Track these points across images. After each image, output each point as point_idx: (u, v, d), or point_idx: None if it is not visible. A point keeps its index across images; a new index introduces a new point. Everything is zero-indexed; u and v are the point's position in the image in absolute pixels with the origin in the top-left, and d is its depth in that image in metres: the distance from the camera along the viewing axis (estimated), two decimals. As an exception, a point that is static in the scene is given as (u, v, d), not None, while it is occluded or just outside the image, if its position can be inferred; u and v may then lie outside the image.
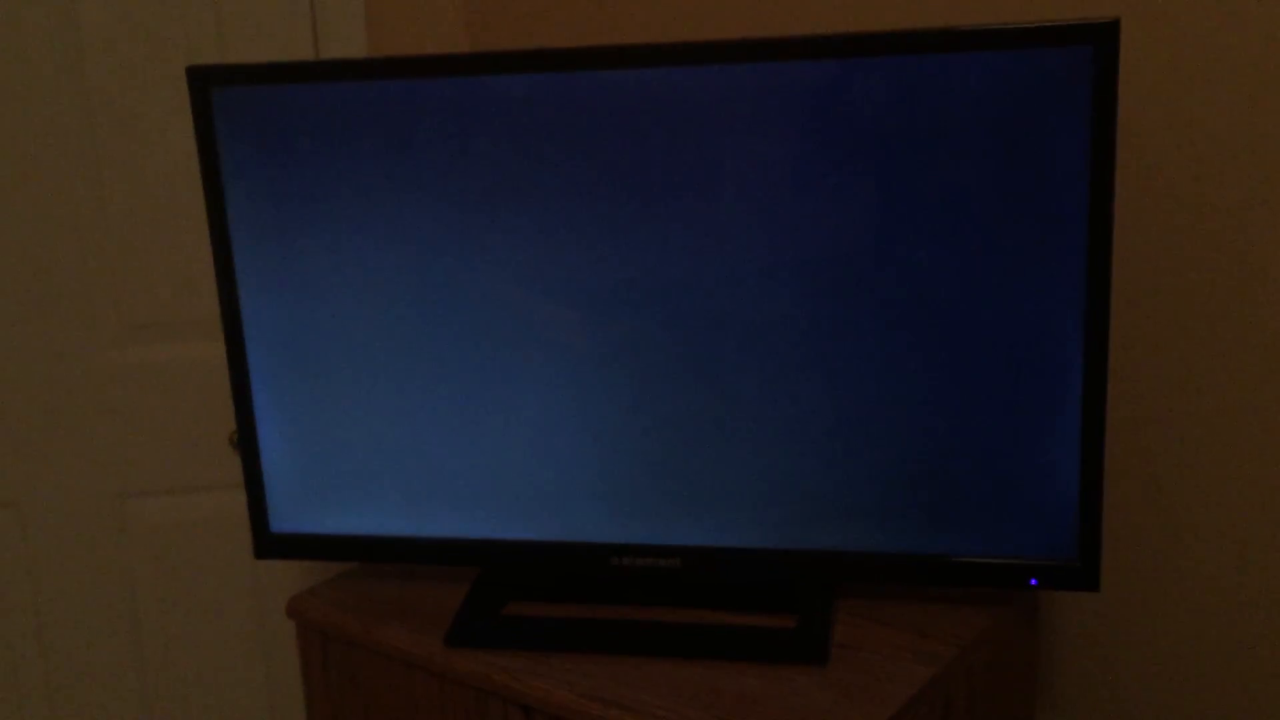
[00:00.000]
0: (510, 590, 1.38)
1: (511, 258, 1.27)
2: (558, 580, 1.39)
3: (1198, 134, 1.27)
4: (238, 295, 1.35)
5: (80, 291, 1.69)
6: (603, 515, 1.33)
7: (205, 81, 1.30)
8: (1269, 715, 1.35)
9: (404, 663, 1.33)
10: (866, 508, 1.26)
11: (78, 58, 1.63)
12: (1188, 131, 1.27)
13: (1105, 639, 1.44)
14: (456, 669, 1.27)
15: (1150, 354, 1.35)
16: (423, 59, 1.24)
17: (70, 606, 1.79)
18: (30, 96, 1.62)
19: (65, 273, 1.68)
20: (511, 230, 1.27)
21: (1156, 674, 1.41)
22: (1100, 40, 1.10)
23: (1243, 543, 1.33)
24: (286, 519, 1.41)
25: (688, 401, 1.27)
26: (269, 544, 1.42)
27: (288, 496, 1.40)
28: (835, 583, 1.34)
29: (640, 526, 1.32)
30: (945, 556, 1.26)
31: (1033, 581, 1.24)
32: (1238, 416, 1.30)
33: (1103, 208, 1.13)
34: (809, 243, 1.20)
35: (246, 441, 1.38)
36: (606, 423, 1.29)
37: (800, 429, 1.26)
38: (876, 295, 1.20)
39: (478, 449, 1.33)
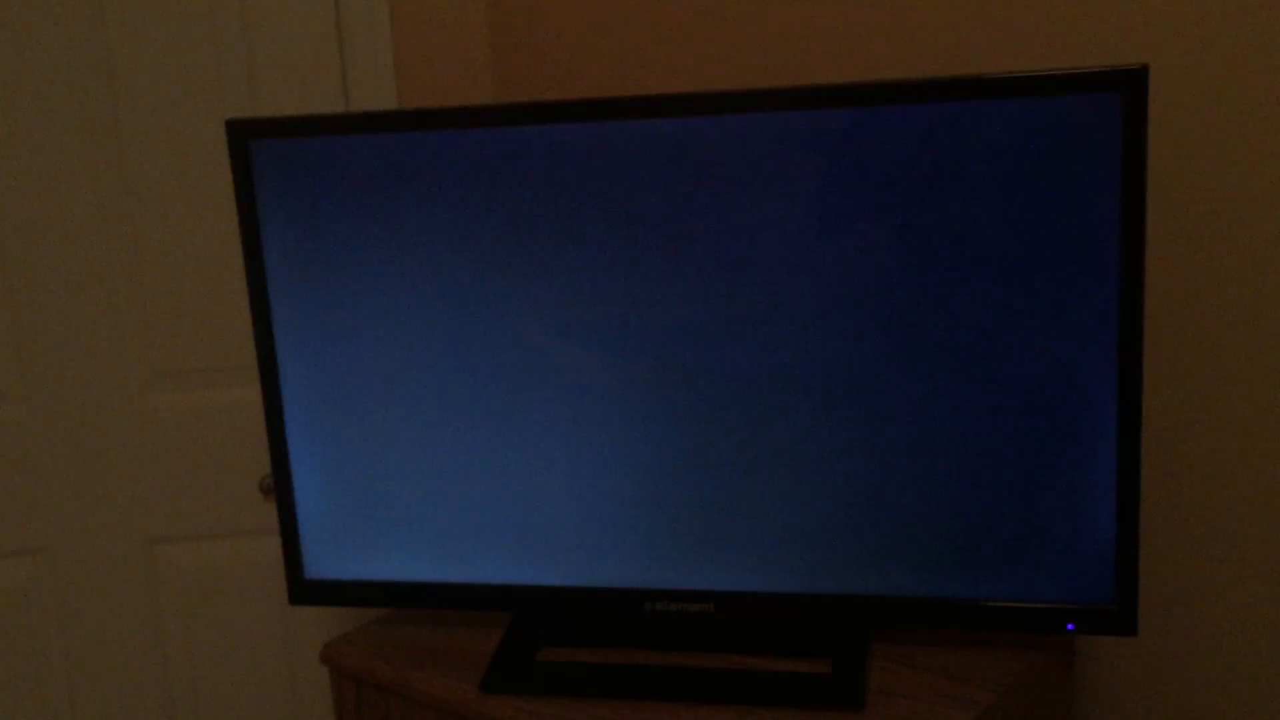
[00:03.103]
0: (545, 635, 1.38)
1: (541, 304, 1.28)
2: (591, 626, 1.39)
3: (1227, 177, 1.28)
4: (274, 343, 1.36)
5: (111, 338, 1.71)
6: (635, 560, 1.33)
7: (244, 134, 1.32)
8: (1309, 760, 1.33)
9: (438, 709, 1.33)
10: (899, 551, 1.26)
11: (112, 108, 1.65)
12: (1216, 175, 1.28)
13: (1142, 682, 1.43)
14: (491, 715, 1.27)
15: (1185, 396, 1.35)
16: (452, 111, 1.26)
17: (100, 653, 1.79)
18: (64, 146, 1.65)
19: (96, 319, 1.70)
20: (540, 277, 1.28)
21: (1194, 718, 1.40)
22: (1128, 86, 1.12)
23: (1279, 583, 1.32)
24: (321, 566, 1.41)
25: (719, 446, 1.28)
26: (304, 590, 1.42)
27: (322, 543, 1.40)
28: (869, 627, 1.33)
29: (672, 571, 1.32)
30: (980, 601, 1.26)
31: (1070, 626, 1.23)
32: (1273, 458, 1.30)
33: (1134, 252, 1.14)
34: (840, 289, 1.21)
35: (282, 488, 1.39)
36: (638, 468, 1.30)
37: (832, 473, 1.26)
38: (909, 340, 1.21)
39: (510, 495, 1.34)
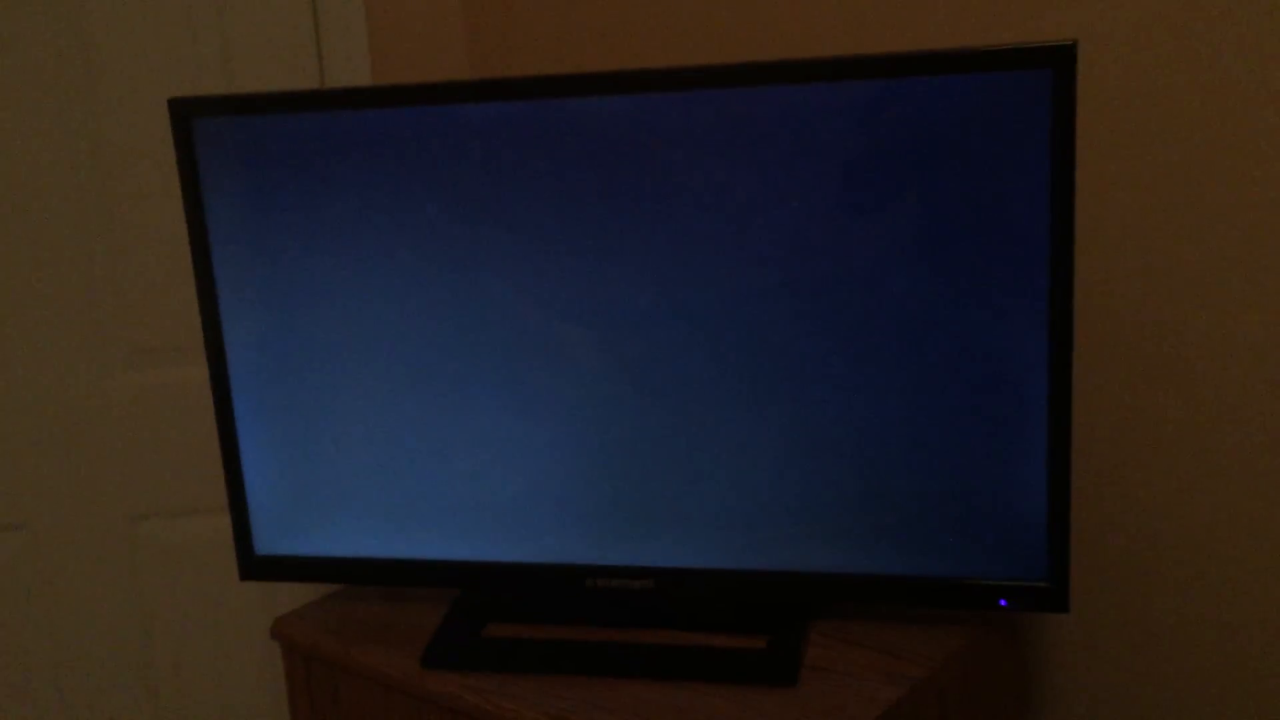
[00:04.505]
0: (489, 612, 1.39)
1: (488, 286, 1.29)
2: (535, 601, 1.40)
3: (1159, 151, 1.27)
4: (220, 321, 1.37)
5: (91, 315, 1.73)
6: (577, 537, 1.34)
7: (187, 112, 1.33)
8: (1249, 738, 1.34)
9: (381, 683, 1.34)
10: (837, 529, 1.27)
11: (87, 89, 1.66)
12: (1149, 148, 1.28)
13: (1087, 660, 1.44)
14: (430, 690, 1.28)
15: (1116, 374, 1.34)
16: (399, 88, 1.26)
17: (82, 627, 1.81)
18: (38, 126, 1.66)
19: (76, 297, 1.72)
20: (484, 257, 1.28)
21: (1138, 694, 1.41)
22: (1058, 63, 1.11)
23: (1212, 558, 1.32)
24: (270, 541, 1.43)
25: (659, 426, 1.28)
26: (253, 566, 1.44)
27: (271, 519, 1.42)
28: (808, 604, 1.34)
29: (614, 548, 1.33)
30: (915, 577, 1.26)
31: (1002, 603, 1.24)
32: (1204, 434, 1.30)
33: (1064, 232, 1.14)
34: (775, 266, 1.21)
35: (230, 465, 1.41)
36: (580, 447, 1.31)
37: (770, 453, 1.26)
38: (843, 318, 1.21)
39: (456, 472, 1.35)
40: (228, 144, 1.32)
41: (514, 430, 1.32)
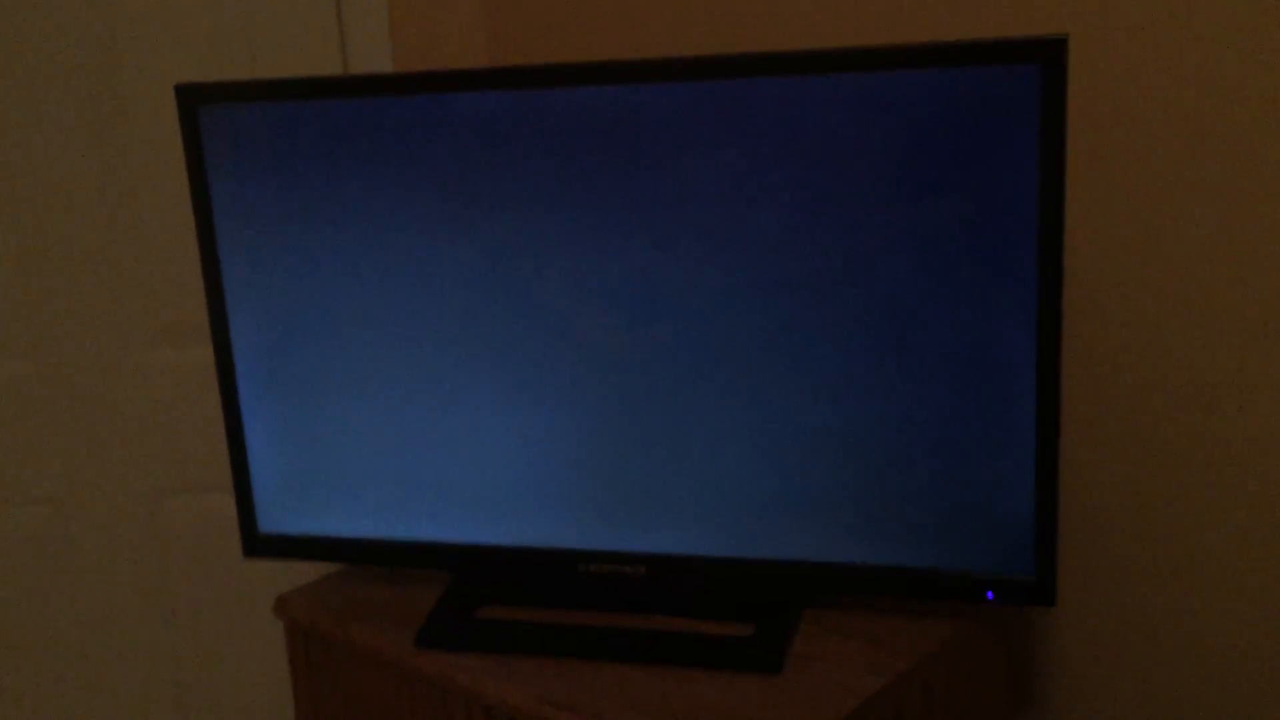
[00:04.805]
0: (483, 594, 1.41)
1: (483, 272, 1.31)
2: (528, 585, 1.42)
3: (1150, 149, 1.26)
4: (225, 302, 1.40)
5: (117, 296, 1.77)
6: (571, 522, 1.35)
7: (194, 99, 1.35)
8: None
9: (375, 662, 1.37)
10: (826, 520, 1.28)
11: (112, 76, 1.70)
12: (1140, 146, 1.27)
13: (1074, 653, 1.44)
14: (422, 670, 1.30)
15: (1106, 370, 1.34)
16: (401, 76, 1.28)
17: (105, 598, 1.86)
18: (64, 111, 1.70)
19: (101, 278, 1.76)
20: (483, 245, 1.30)
21: (1125, 688, 1.40)
22: (1048, 58, 1.11)
23: (1199, 553, 1.32)
24: (273, 520, 1.45)
25: (653, 414, 1.30)
26: (257, 543, 1.47)
27: (275, 498, 1.45)
28: (797, 593, 1.35)
29: (607, 534, 1.35)
30: (902, 569, 1.27)
31: (989, 595, 1.24)
32: (1192, 428, 1.29)
33: (1053, 226, 1.14)
34: (767, 257, 1.22)
35: (234, 443, 1.44)
36: (575, 432, 1.32)
37: (761, 442, 1.27)
38: (833, 310, 1.22)
39: (453, 455, 1.37)
40: (234, 130, 1.35)
41: (512, 417, 1.34)
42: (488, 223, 1.29)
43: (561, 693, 1.22)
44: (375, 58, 1.83)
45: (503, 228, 1.29)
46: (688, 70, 1.20)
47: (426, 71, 1.27)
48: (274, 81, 1.32)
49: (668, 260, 1.25)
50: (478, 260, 1.31)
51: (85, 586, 1.85)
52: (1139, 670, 1.39)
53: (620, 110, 1.23)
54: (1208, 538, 1.31)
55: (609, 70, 1.22)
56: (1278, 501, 1.26)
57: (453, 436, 1.36)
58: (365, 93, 1.29)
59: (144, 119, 1.73)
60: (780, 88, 1.18)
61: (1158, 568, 1.36)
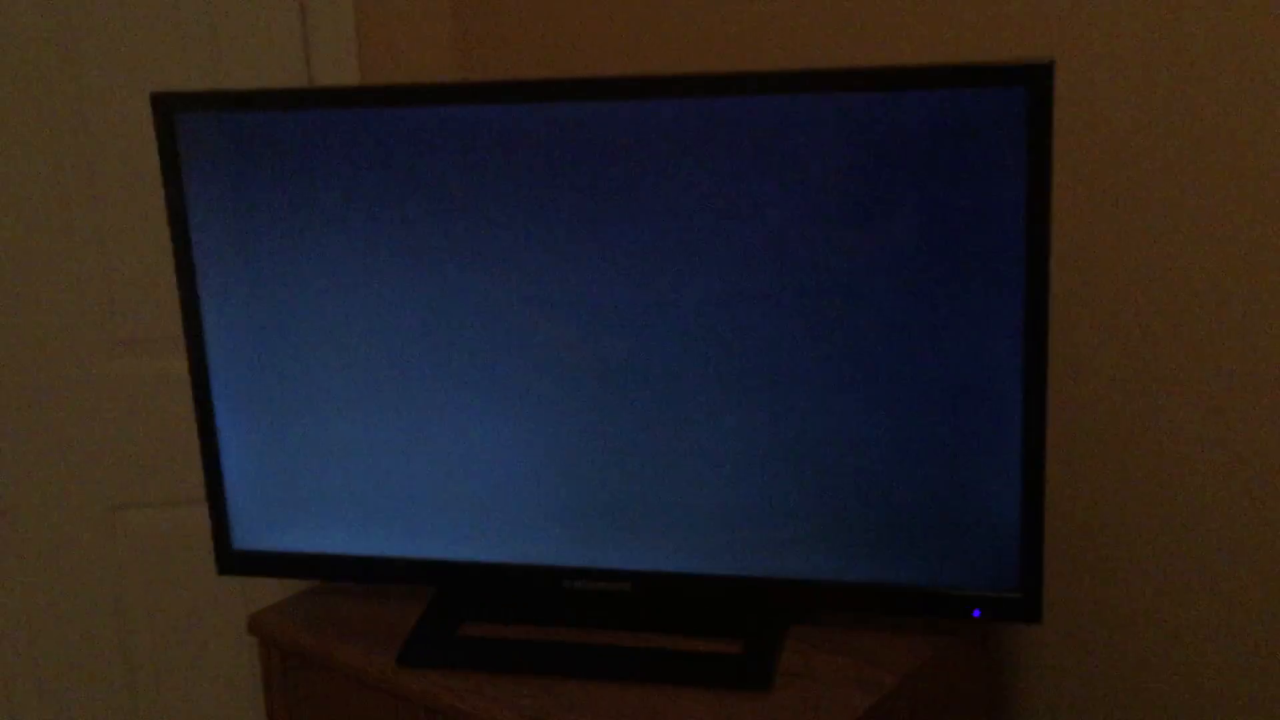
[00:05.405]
0: (465, 611, 1.40)
1: (469, 287, 1.29)
2: (512, 602, 1.41)
3: (1136, 170, 1.28)
4: (200, 316, 1.37)
5: (75, 305, 1.73)
6: (556, 539, 1.34)
7: (170, 107, 1.32)
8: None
9: (357, 680, 1.35)
10: (813, 536, 1.28)
11: (73, 83, 1.66)
12: (1127, 167, 1.28)
13: (1062, 668, 1.45)
14: (406, 688, 1.29)
15: (1091, 387, 1.35)
16: (380, 88, 1.26)
17: (60, 614, 1.81)
18: (25, 116, 1.66)
19: (59, 286, 1.72)
20: (464, 257, 1.29)
21: (1112, 703, 1.42)
22: (1034, 81, 1.11)
23: (1186, 569, 1.33)
24: (248, 536, 1.43)
25: (638, 430, 1.29)
26: (231, 560, 1.44)
27: (249, 514, 1.42)
28: (785, 610, 1.35)
29: (593, 550, 1.34)
30: (889, 585, 1.27)
31: (975, 613, 1.25)
32: (1178, 444, 1.31)
33: (1039, 246, 1.14)
34: (753, 273, 1.22)
35: (209, 459, 1.41)
36: (560, 448, 1.31)
37: (749, 458, 1.27)
38: (820, 326, 1.22)
39: (435, 471, 1.35)
40: (210, 139, 1.32)
41: (495, 431, 1.33)
42: (469, 236, 1.28)
43: (550, 712, 1.21)
44: (341, 66, 1.81)
45: (484, 241, 1.28)
46: (674, 88, 1.19)
47: (410, 84, 1.25)
48: (253, 91, 1.30)
49: (655, 275, 1.24)
50: (459, 272, 1.29)
51: (39, 601, 1.81)
52: (1125, 683, 1.41)
53: (606, 125, 1.22)
54: (1194, 551, 1.33)
55: (587, 86, 1.21)
56: (1263, 515, 1.28)
57: (435, 450, 1.35)
58: (346, 104, 1.27)
59: (106, 126, 1.69)
60: (766, 106, 1.18)
61: (1143, 582, 1.37)
